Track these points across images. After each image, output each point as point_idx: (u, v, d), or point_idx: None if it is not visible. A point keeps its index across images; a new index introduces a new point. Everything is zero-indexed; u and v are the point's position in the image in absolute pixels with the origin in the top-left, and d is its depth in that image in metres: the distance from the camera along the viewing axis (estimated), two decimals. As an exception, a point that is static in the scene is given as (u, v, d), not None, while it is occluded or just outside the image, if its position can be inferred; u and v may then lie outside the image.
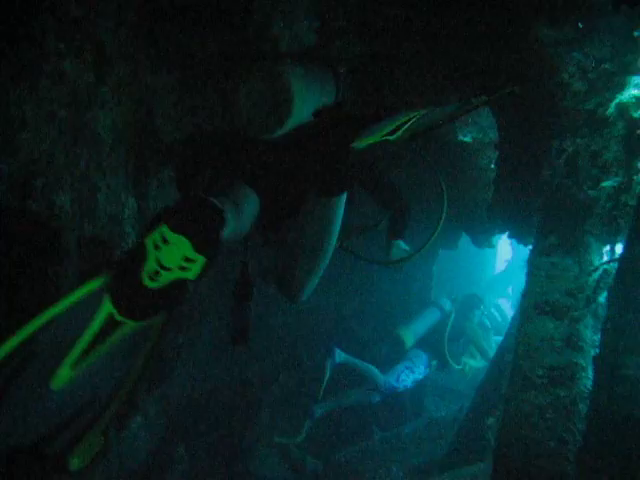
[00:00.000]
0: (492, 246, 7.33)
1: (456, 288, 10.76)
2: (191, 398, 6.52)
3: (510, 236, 5.62)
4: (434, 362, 8.06)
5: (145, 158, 4.79)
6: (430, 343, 8.08)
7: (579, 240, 3.87)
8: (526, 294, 3.84)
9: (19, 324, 2.36)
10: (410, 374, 7.81)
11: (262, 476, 6.82)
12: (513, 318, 6.64)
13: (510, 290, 13.50)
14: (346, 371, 7.60)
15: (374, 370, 7.64)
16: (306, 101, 2.81)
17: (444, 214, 3.77)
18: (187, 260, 2.29)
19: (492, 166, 6.05)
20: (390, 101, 5.79)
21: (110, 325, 2.37)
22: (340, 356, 7.41)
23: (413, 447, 7.33)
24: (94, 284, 2.36)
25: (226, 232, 2.47)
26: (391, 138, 2.74)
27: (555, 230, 3.94)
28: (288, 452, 7.03)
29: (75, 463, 2.36)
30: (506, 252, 14.18)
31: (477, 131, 6.08)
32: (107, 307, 2.32)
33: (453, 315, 8.32)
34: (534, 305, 3.70)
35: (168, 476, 6.13)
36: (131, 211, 4.50)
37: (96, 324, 2.34)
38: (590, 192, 3.84)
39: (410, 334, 8.00)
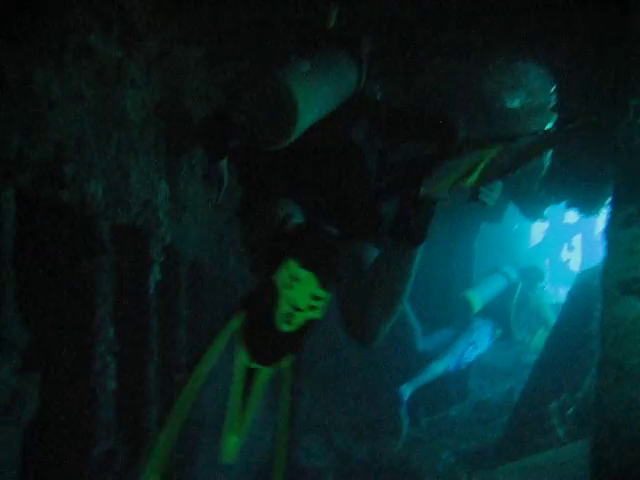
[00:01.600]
0: (544, 218, 6.91)
1: (493, 264, 10.39)
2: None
3: (569, 206, 5.24)
4: (498, 331, 7.71)
5: (175, 139, 4.48)
6: (494, 312, 7.71)
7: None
8: (606, 272, 3.45)
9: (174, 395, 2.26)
10: (474, 350, 7.50)
11: (307, 465, 6.54)
12: (570, 295, 6.27)
13: (547, 263, 13.06)
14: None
15: (440, 368, 7.33)
16: (315, 100, 2.52)
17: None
18: (315, 298, 2.26)
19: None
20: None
21: (248, 377, 2.34)
22: (407, 391, 7.06)
23: (462, 431, 7.01)
24: (228, 331, 2.33)
25: None
26: (467, 182, 2.40)
27: (636, 199, 3.56)
28: (333, 440, 6.75)
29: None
30: (540, 224, 13.65)
31: (526, 95, 5.68)
32: (244, 358, 2.31)
33: (521, 284, 8.00)
34: (617, 284, 3.31)
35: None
36: (164, 196, 4.19)
37: (239, 380, 2.32)
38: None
39: (478, 298, 7.73)
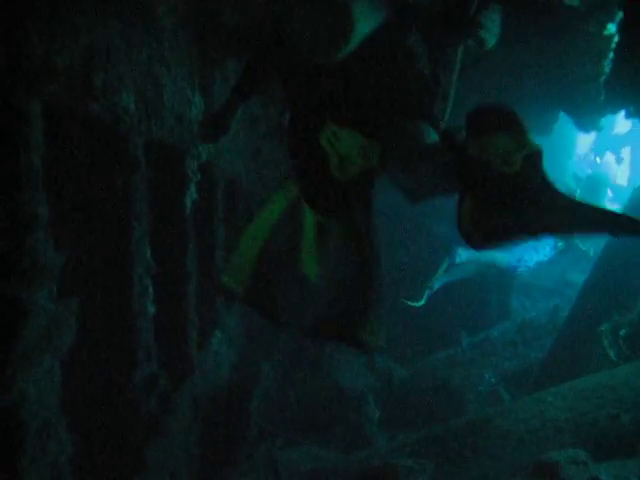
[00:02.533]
0: (599, 128, 6.52)
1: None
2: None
3: (629, 115, 4.91)
4: (560, 244, 7.47)
5: (208, 47, 4.21)
6: None
7: None
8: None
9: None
10: (534, 255, 7.32)
11: (348, 386, 6.49)
12: (626, 209, 5.97)
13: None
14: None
15: (495, 258, 7.34)
16: (367, 21, 2.55)
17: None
18: (365, 149, 2.42)
19: (605, 33, 5.21)
20: None
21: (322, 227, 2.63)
22: (461, 257, 7.19)
23: (505, 351, 6.87)
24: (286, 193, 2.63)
25: None
26: None
27: None
28: (373, 361, 6.68)
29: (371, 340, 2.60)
30: (585, 138, 13.04)
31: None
32: (309, 213, 2.60)
33: (579, 192, 7.78)
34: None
35: (256, 389, 5.85)
36: (198, 110, 3.95)
37: (309, 229, 2.63)
38: None
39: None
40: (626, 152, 13.63)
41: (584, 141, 13.00)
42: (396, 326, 7.55)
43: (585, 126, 6.48)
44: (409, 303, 7.12)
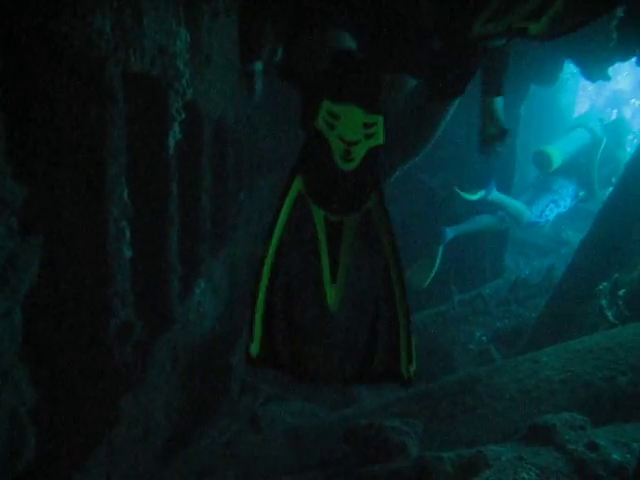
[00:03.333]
0: (608, 78, 6.24)
1: (533, 136, 9.75)
2: (256, 258, 5.96)
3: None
4: (582, 193, 7.28)
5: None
6: (577, 170, 7.29)
7: None
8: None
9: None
10: (555, 208, 7.19)
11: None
12: (628, 167, 5.75)
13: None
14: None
15: (487, 222, 7.17)
16: None
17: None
18: (367, 126, 2.17)
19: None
20: None
21: (332, 232, 2.29)
22: (450, 233, 6.91)
23: (497, 310, 6.72)
24: (293, 194, 2.27)
25: None
26: (532, 28, 2.09)
27: None
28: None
29: (410, 370, 2.25)
30: (589, 87, 12.64)
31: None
32: (318, 214, 2.26)
33: (605, 140, 7.51)
34: None
35: (238, 341, 5.67)
36: (184, 45, 3.68)
37: (322, 238, 2.28)
38: None
39: (558, 152, 7.34)
40: (633, 104, 13.36)
41: (583, 98, 12.73)
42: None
43: (592, 75, 6.20)
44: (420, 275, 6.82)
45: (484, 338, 6.41)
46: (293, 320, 2.27)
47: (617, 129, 7.99)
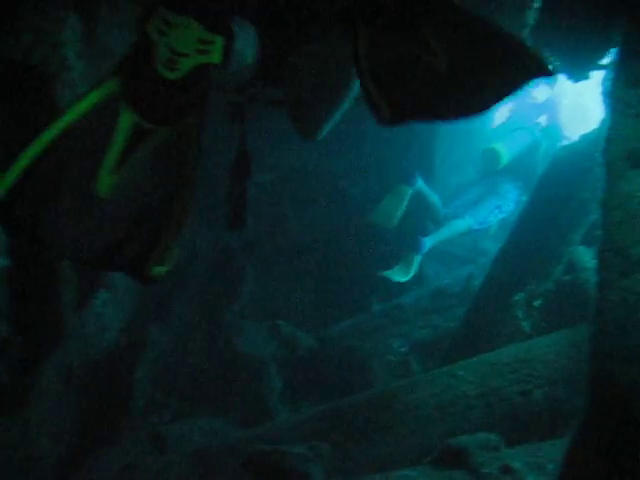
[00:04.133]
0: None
1: (454, 145, 9.72)
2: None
3: (556, 71, 4.58)
4: (524, 198, 7.20)
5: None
6: (521, 172, 7.28)
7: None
8: (611, 141, 2.85)
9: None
10: (499, 214, 7.12)
11: (249, 354, 6.06)
12: (543, 176, 5.70)
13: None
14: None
15: (461, 226, 7.12)
16: None
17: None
18: (203, 42, 2.12)
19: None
20: None
21: (138, 136, 2.23)
22: (428, 243, 6.81)
23: (417, 320, 6.57)
24: (105, 89, 2.20)
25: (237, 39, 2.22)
26: None
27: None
28: (278, 328, 6.26)
29: (154, 270, 2.26)
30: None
31: None
32: (128, 117, 2.21)
33: (545, 143, 7.64)
34: (624, 155, 2.72)
35: (144, 356, 5.35)
36: (73, 33, 3.37)
37: (120, 135, 2.22)
38: None
39: (506, 150, 7.36)
40: (543, 120, 13.59)
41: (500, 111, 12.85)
42: (304, 291, 7.20)
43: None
44: (395, 278, 6.62)
45: (403, 349, 6.26)
46: (56, 188, 2.23)
47: (552, 134, 8.16)
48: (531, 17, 5.04)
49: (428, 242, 6.80)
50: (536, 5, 5.00)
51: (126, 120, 2.22)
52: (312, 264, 7.32)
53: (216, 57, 2.14)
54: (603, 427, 2.26)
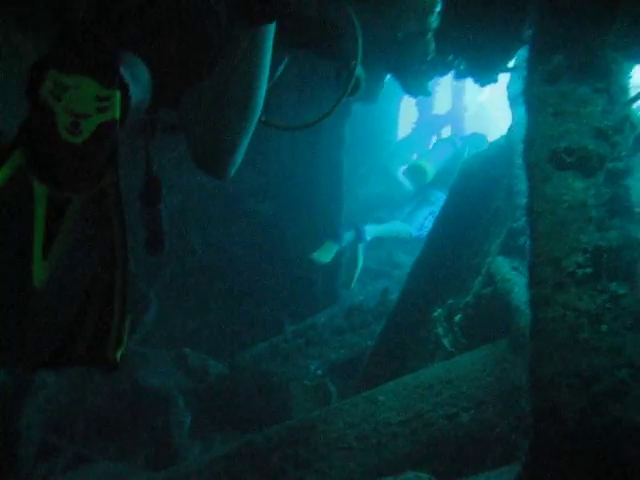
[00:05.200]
0: (428, 94, 6.08)
1: (360, 158, 9.56)
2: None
3: (462, 75, 4.42)
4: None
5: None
6: (447, 182, 7.48)
7: (600, 58, 2.70)
8: (531, 142, 2.63)
9: None
10: (433, 219, 7.30)
11: (154, 386, 5.62)
12: (453, 187, 5.54)
13: (415, 156, 12.44)
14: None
15: (402, 229, 7.59)
16: None
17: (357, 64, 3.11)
18: (101, 99, 2.04)
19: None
20: None
21: (55, 209, 2.14)
22: (369, 233, 7.16)
23: (332, 340, 6.29)
24: (9, 165, 2.08)
25: (131, 80, 2.09)
26: None
27: (562, 45, 2.74)
28: (185, 357, 5.84)
29: (117, 355, 2.17)
30: (410, 115, 12.93)
31: None
32: (40, 189, 2.12)
33: (467, 150, 7.98)
34: (548, 156, 2.50)
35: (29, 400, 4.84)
36: None
37: (39, 211, 2.12)
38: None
39: (430, 165, 7.88)
40: (446, 131, 13.80)
41: (406, 121, 12.90)
42: (213, 314, 6.83)
43: (412, 90, 5.97)
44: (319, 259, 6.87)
45: (320, 371, 5.96)
46: None
47: (474, 141, 8.32)
48: (434, 20, 4.90)
49: (369, 230, 7.13)
50: (438, 9, 4.87)
51: (39, 194, 2.13)
52: (221, 286, 6.97)
53: (117, 111, 2.05)
54: (551, 466, 2.00)
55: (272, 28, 2.21)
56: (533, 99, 2.75)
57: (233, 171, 2.51)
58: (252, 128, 2.41)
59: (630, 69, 2.75)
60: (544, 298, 2.19)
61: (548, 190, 2.40)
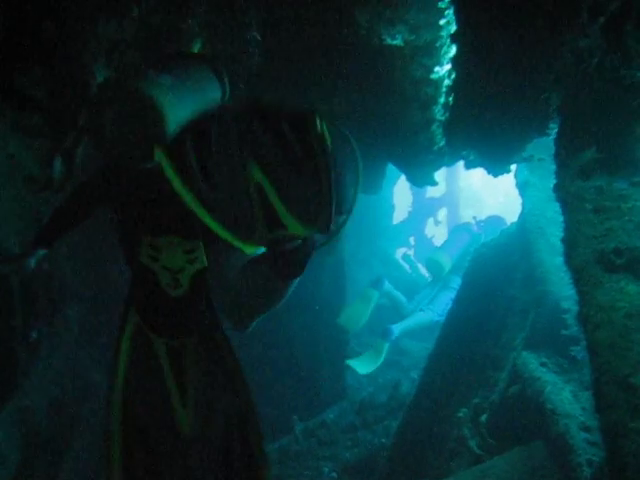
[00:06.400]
0: (434, 183, 6.01)
1: (360, 243, 9.48)
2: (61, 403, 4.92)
3: (473, 165, 4.35)
4: None
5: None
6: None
7: (632, 151, 2.61)
8: (572, 241, 2.49)
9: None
10: None
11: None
12: (467, 277, 5.40)
13: (412, 239, 12.39)
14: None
15: (425, 319, 7.67)
16: (181, 112, 2.38)
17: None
18: (188, 252, 2.37)
19: (433, 77, 4.70)
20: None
21: (175, 357, 2.49)
22: (397, 329, 7.26)
23: (344, 438, 6.01)
24: (129, 326, 2.51)
25: None
26: None
27: (592, 140, 2.65)
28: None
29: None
30: (405, 199, 12.89)
31: (408, 31, 4.66)
32: (158, 342, 2.48)
33: (483, 236, 8.12)
34: (594, 258, 2.35)
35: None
36: None
37: (164, 362, 2.48)
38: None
39: (446, 257, 8.04)
40: (442, 213, 13.82)
41: (401, 205, 12.89)
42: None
43: (417, 180, 5.89)
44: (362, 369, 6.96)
45: (334, 474, 5.65)
46: (151, 453, 2.41)
47: (493, 225, 8.41)
48: (439, 111, 4.86)
49: (396, 329, 7.20)
50: (442, 100, 4.84)
51: (159, 346, 2.48)
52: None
53: (204, 260, 2.39)
54: None
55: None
56: (568, 196, 2.63)
57: (250, 329, 2.63)
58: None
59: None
60: (619, 427, 1.95)
61: (600, 296, 2.25)
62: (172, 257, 2.33)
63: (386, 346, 7.10)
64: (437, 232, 13.46)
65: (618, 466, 1.91)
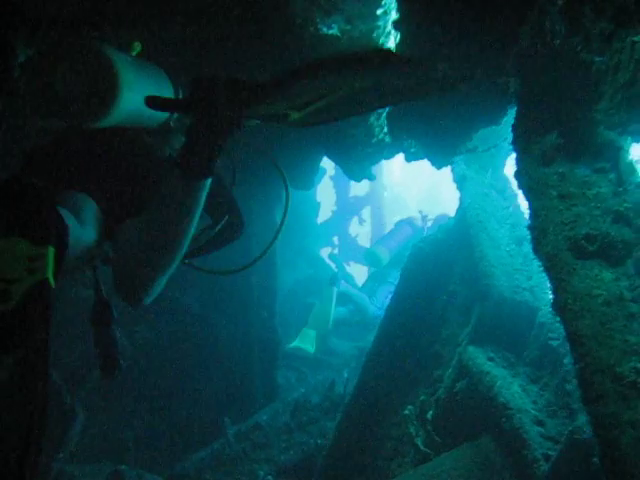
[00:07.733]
0: (372, 177, 5.89)
1: (287, 243, 9.34)
2: None
3: (414, 157, 4.27)
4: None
5: None
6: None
7: (591, 136, 2.57)
8: (542, 230, 2.40)
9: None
10: None
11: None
12: (405, 272, 5.31)
13: (336, 239, 12.33)
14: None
15: (366, 303, 7.96)
16: (137, 91, 2.40)
17: (285, 215, 3.13)
18: (32, 260, 1.87)
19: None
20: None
21: None
22: (343, 285, 7.60)
23: (279, 440, 5.83)
24: None
25: (70, 230, 2.04)
26: (291, 117, 2.30)
27: (556, 122, 2.59)
28: (120, 474, 5.23)
29: None
30: (329, 197, 12.79)
31: (344, 21, 4.56)
32: None
33: (427, 231, 8.30)
34: (567, 246, 2.27)
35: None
36: None
37: None
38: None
39: (384, 249, 8.23)
40: (366, 212, 13.84)
41: (325, 204, 12.82)
42: (148, 419, 6.26)
43: (355, 174, 5.75)
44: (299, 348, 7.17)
45: (270, 477, 5.48)
46: None
47: (439, 223, 8.43)
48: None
49: (342, 284, 7.65)
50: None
51: None
52: (152, 387, 6.40)
53: (48, 271, 1.87)
54: None
55: (207, 185, 2.23)
56: (532, 182, 2.55)
57: (148, 301, 2.43)
58: (172, 269, 2.39)
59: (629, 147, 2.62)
60: (612, 419, 1.87)
61: (576, 283, 2.17)
62: (8, 265, 1.94)
63: (334, 291, 7.34)
64: (361, 231, 13.48)
65: (615, 459, 1.83)
